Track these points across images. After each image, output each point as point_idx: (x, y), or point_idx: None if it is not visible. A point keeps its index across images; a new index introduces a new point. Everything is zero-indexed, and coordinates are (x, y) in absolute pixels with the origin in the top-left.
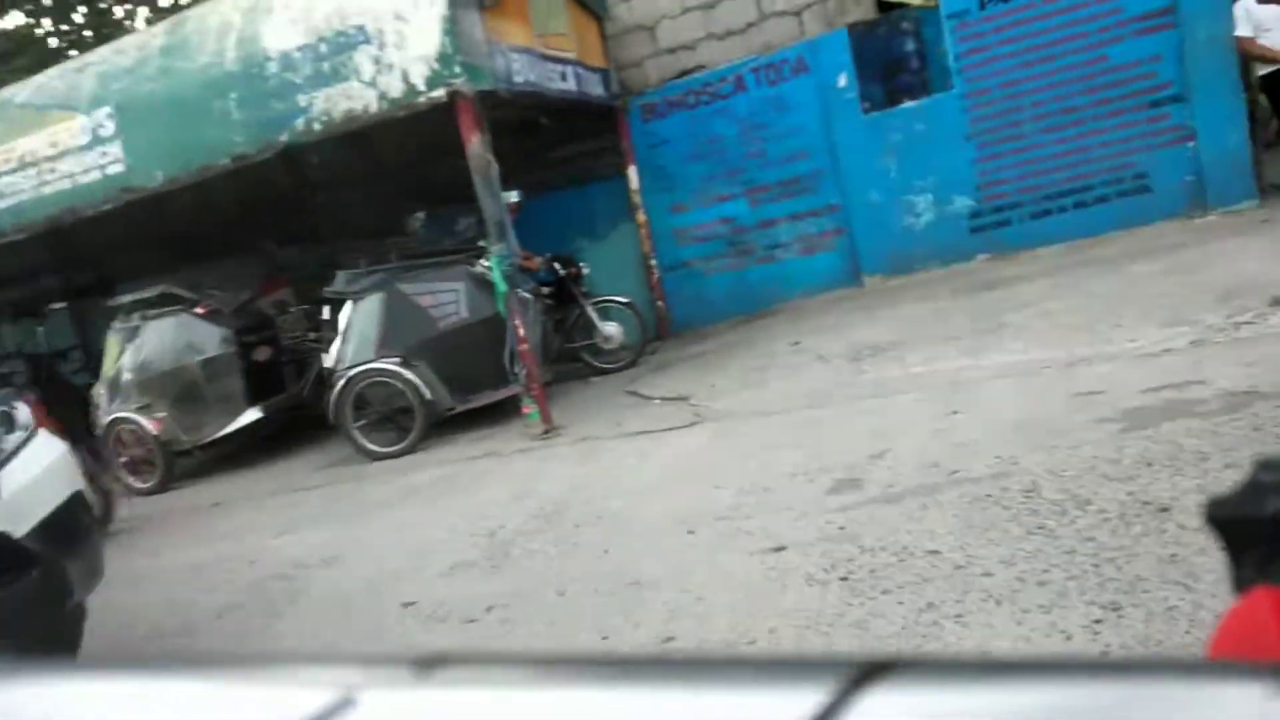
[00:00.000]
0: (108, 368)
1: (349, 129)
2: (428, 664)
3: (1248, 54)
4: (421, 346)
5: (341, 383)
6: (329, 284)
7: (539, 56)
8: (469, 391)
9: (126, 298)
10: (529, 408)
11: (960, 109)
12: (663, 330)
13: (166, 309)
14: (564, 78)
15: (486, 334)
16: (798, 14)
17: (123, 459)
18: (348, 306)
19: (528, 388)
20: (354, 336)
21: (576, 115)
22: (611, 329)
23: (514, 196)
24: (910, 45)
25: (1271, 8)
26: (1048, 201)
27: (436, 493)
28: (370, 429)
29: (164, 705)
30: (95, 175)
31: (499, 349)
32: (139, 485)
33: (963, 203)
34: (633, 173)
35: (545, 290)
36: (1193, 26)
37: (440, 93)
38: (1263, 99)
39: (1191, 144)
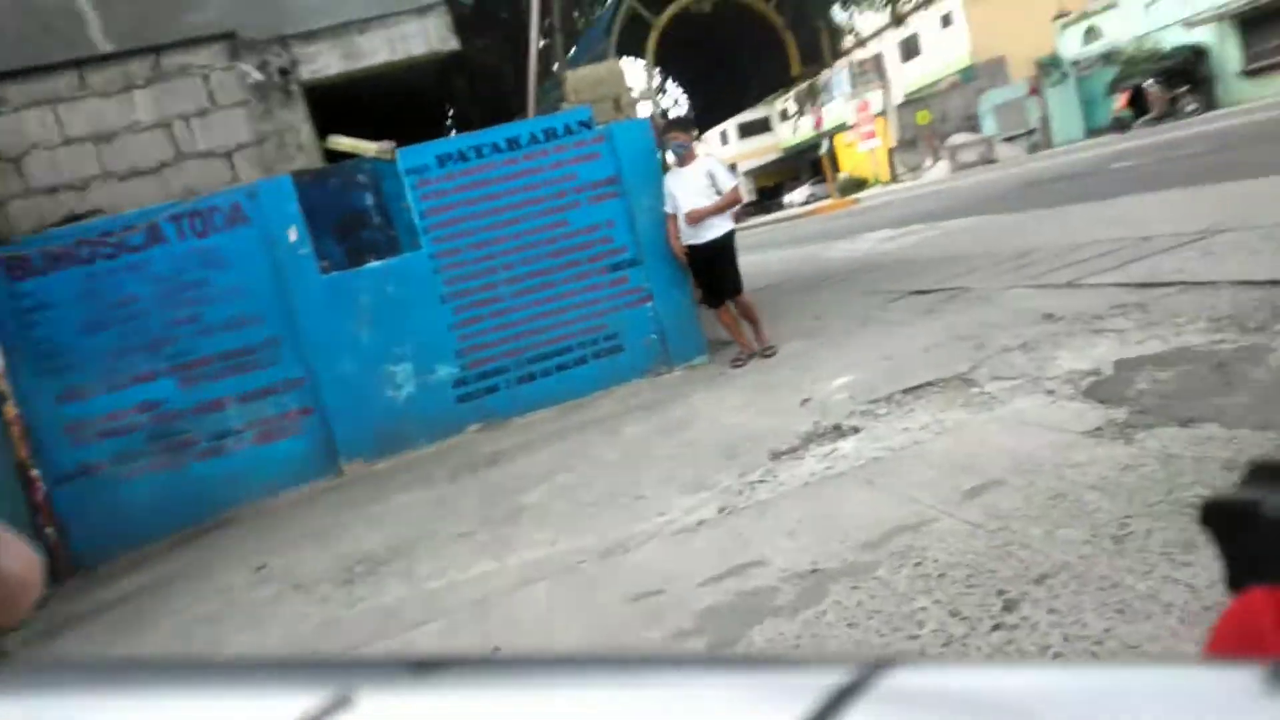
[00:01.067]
0: None
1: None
2: (426, 665)
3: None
4: None
5: None
6: None
7: None
8: None
9: None
10: None
11: (432, 269)
12: (59, 569)
13: None
14: None
15: None
16: (226, 155)
17: None
18: None
19: None
20: None
21: None
22: None
23: None
24: (369, 199)
25: (685, 171)
26: (532, 365)
27: None
28: None
29: (158, 706)
30: None
31: None
32: None
33: (446, 370)
34: None
35: None
36: (636, 196)
37: None
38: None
39: (650, 304)
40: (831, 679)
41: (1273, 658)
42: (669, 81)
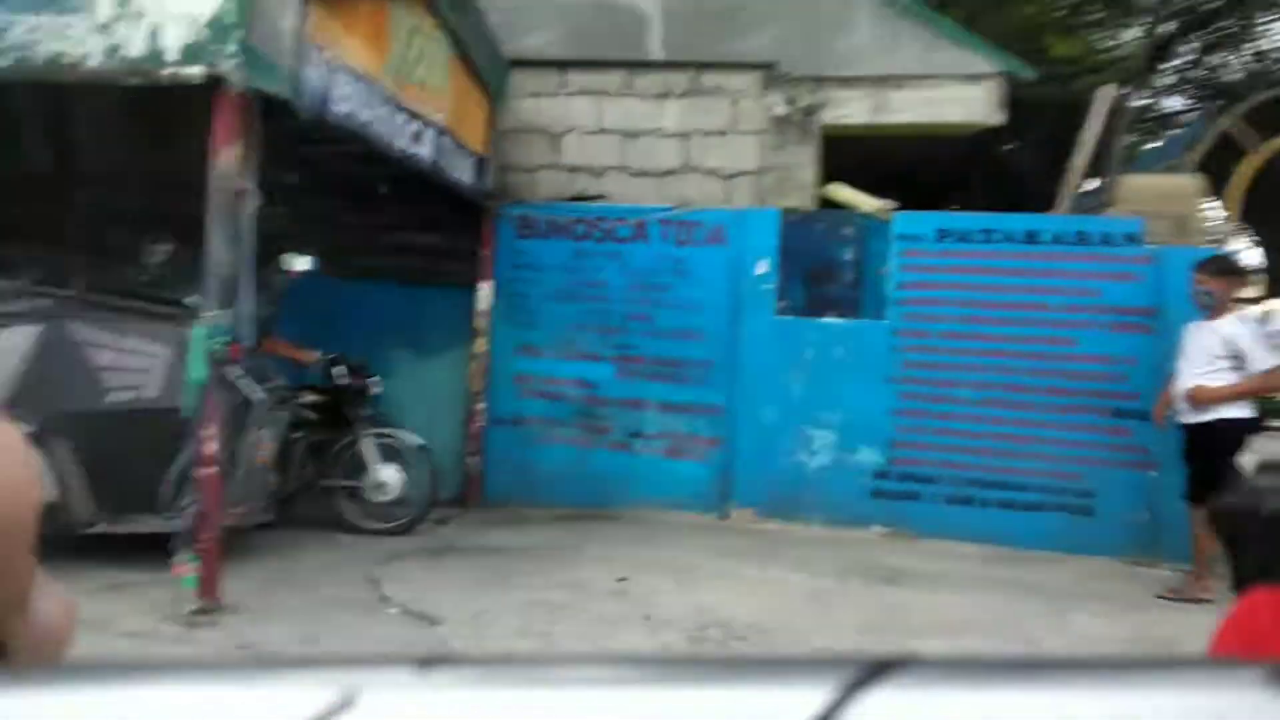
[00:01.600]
0: None
1: (50, 78)
2: (428, 664)
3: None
4: (72, 422)
5: None
6: None
7: (383, 97)
8: (126, 507)
9: None
10: (184, 567)
11: (890, 345)
12: (469, 496)
13: None
14: (417, 139)
15: (178, 432)
16: (728, 177)
17: None
18: None
19: (192, 536)
20: None
21: (434, 201)
22: (389, 475)
23: (303, 264)
24: (848, 254)
25: (1206, 327)
26: (970, 487)
27: None
28: None
29: (164, 706)
30: None
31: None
32: None
33: (869, 455)
34: (485, 289)
35: (311, 399)
36: (1175, 339)
37: (195, 70)
38: None
39: (1151, 474)
40: (836, 679)
41: (1275, 657)
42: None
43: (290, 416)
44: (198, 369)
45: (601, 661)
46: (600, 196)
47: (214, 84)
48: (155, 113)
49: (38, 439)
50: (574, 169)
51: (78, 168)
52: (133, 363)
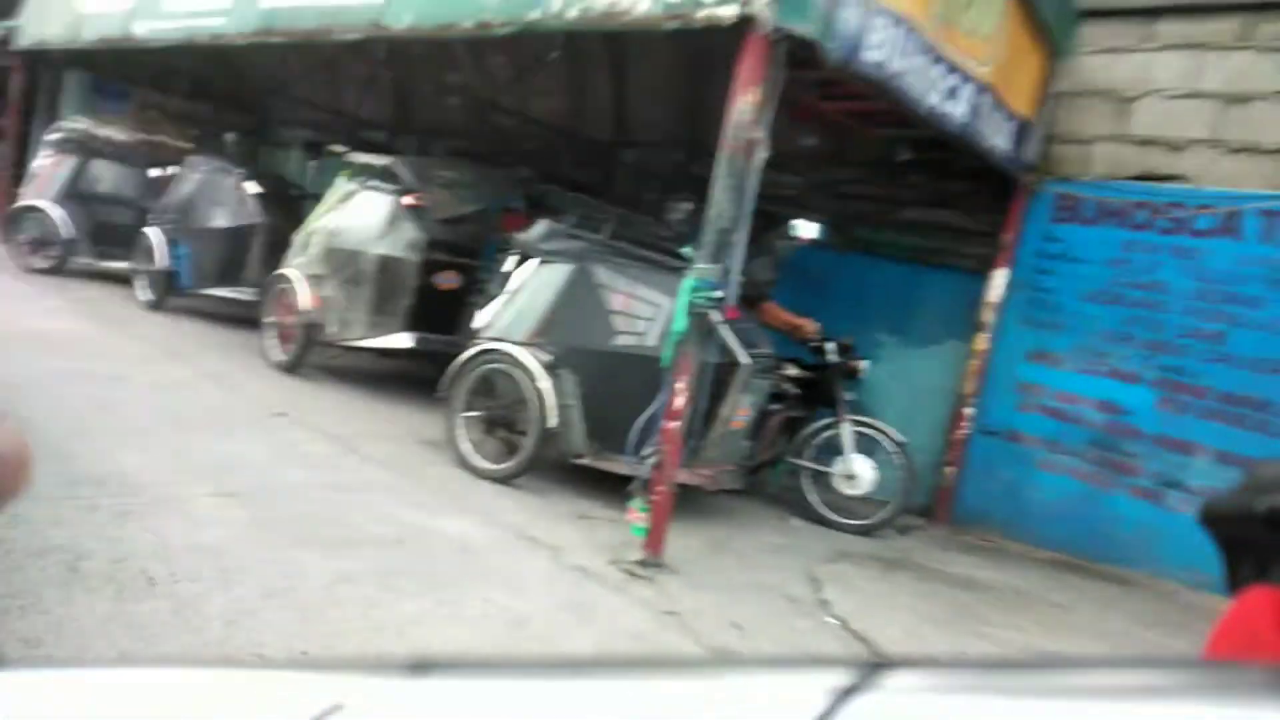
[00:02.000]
0: (311, 219)
1: (605, 27)
2: (417, 669)
3: None
4: (580, 357)
5: (471, 352)
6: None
7: (922, 46)
8: (609, 445)
9: (361, 157)
10: (636, 515)
11: None
12: (938, 509)
13: (382, 184)
14: (951, 95)
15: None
16: None
17: (271, 320)
18: (528, 265)
19: (647, 486)
20: (517, 303)
21: (953, 173)
22: (863, 468)
23: (810, 231)
24: None
25: None
26: None
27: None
28: (479, 427)
29: (158, 711)
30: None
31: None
32: (279, 357)
33: None
34: (1000, 277)
35: (795, 373)
36: None
37: (729, 10)
38: None
39: None
40: (833, 681)
41: (1271, 658)
42: None
43: (771, 386)
44: (679, 320)
45: (597, 664)
46: (1176, 177)
47: (743, 27)
48: (694, 84)
49: (552, 367)
50: (1145, 141)
51: (629, 133)
52: (640, 310)
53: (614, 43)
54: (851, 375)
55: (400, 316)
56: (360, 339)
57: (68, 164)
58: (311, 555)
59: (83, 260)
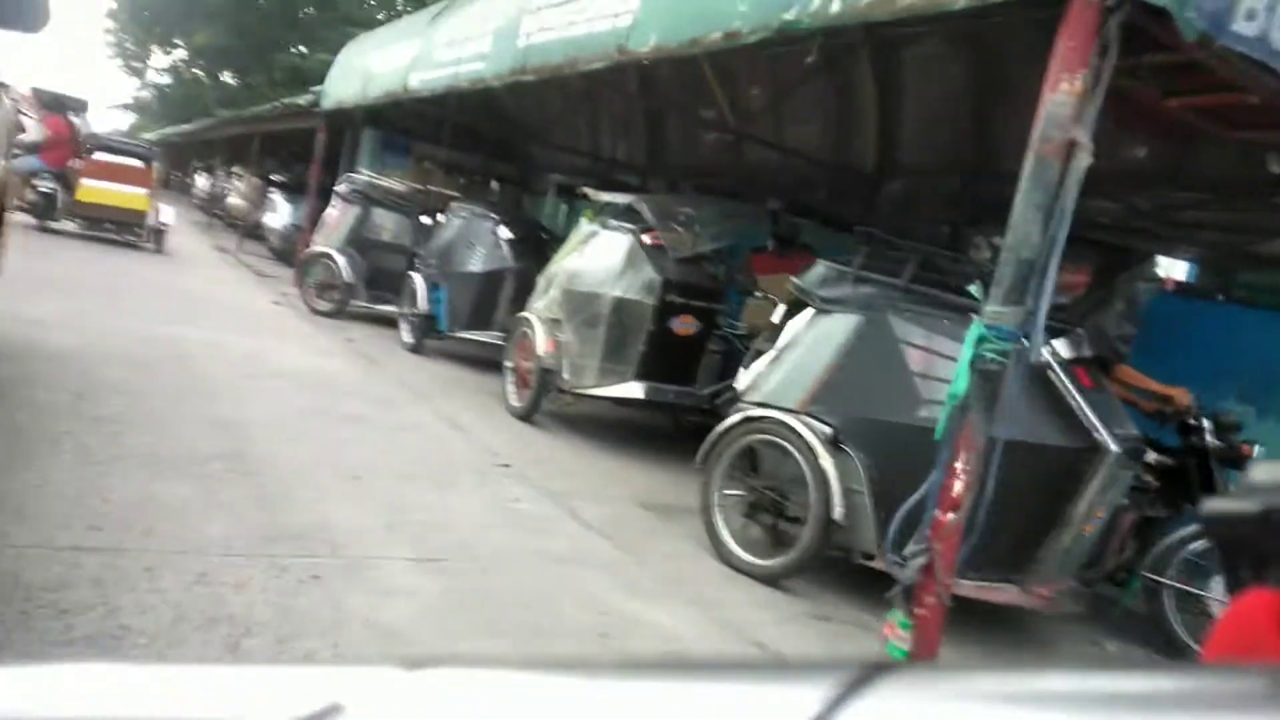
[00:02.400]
0: (554, 262)
1: (873, 17)
2: (416, 666)
3: None
4: (870, 430)
5: (734, 420)
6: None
7: None
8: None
9: (604, 196)
10: (894, 631)
11: None
12: None
13: (623, 223)
14: None
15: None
16: None
17: (510, 364)
18: (804, 315)
19: (911, 595)
20: (789, 362)
21: None
22: None
23: (1176, 272)
24: None
25: None
26: None
27: None
28: (741, 509)
29: (156, 709)
30: (603, 25)
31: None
32: (515, 402)
33: None
34: None
35: (1154, 458)
36: None
37: None
38: None
39: None
40: (832, 682)
41: (1272, 660)
42: None
43: (1131, 478)
44: (959, 380)
45: (597, 664)
46: None
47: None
48: (979, 105)
49: (835, 442)
50: None
51: (895, 161)
52: (948, 372)
53: (882, 61)
54: (1235, 463)
55: (633, 364)
56: (592, 387)
57: (352, 213)
58: (498, 647)
59: (360, 303)
